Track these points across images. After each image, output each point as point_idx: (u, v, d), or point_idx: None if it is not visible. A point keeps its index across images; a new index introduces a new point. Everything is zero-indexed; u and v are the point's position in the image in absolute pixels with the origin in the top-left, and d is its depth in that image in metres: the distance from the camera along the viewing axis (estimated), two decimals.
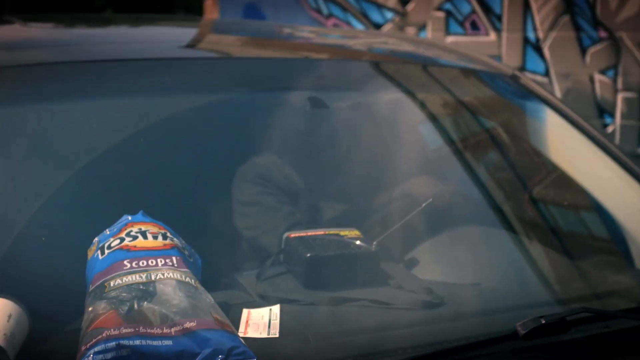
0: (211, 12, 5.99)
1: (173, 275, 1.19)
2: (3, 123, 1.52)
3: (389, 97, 2.08)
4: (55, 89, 1.60)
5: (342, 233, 1.62)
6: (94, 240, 1.32)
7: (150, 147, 1.75)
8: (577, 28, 4.68)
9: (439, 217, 1.79)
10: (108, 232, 1.32)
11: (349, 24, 5.59)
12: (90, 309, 1.15)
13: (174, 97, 1.83)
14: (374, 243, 1.57)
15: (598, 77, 4.63)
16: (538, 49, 4.84)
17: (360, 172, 1.98)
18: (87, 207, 1.56)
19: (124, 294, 1.14)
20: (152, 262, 1.21)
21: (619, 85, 4.56)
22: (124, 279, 1.17)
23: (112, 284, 1.17)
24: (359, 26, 5.53)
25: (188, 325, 1.11)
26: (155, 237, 1.28)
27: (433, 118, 2.18)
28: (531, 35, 4.85)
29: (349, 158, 1.99)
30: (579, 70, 4.68)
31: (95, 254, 1.27)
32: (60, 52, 1.79)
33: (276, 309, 1.37)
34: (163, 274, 1.18)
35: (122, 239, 1.27)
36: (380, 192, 1.94)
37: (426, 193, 1.85)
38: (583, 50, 4.68)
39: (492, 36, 5.00)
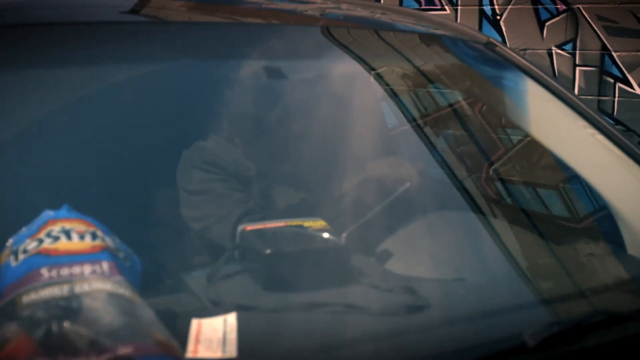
0: None
1: (103, 286, 0.95)
2: None
3: (350, 68, 1.86)
4: None
5: (305, 224, 1.40)
6: (7, 243, 1.07)
7: (77, 125, 1.50)
8: (535, 1, 4.52)
9: (408, 202, 1.58)
10: (24, 231, 1.07)
11: None
12: None
13: (105, 66, 1.57)
14: (343, 235, 1.35)
15: (556, 51, 4.48)
16: (495, 23, 4.68)
17: (318, 153, 1.77)
18: None
19: (40, 313, 0.90)
20: (76, 270, 0.96)
21: (578, 59, 4.43)
22: (41, 292, 0.93)
23: (25, 299, 0.92)
24: None
25: (122, 351, 0.87)
26: (81, 238, 1.04)
27: (398, 91, 1.97)
28: (488, 9, 4.68)
29: (305, 138, 1.78)
30: (536, 45, 4.53)
31: (8, 260, 1.02)
32: None
33: (232, 318, 1.14)
34: (90, 285, 0.94)
35: (41, 241, 1.02)
36: (341, 176, 1.73)
37: (393, 175, 1.65)
38: (541, 24, 4.53)
39: (448, 10, 4.81)
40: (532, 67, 1.82)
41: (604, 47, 4.36)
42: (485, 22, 4.72)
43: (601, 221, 1.65)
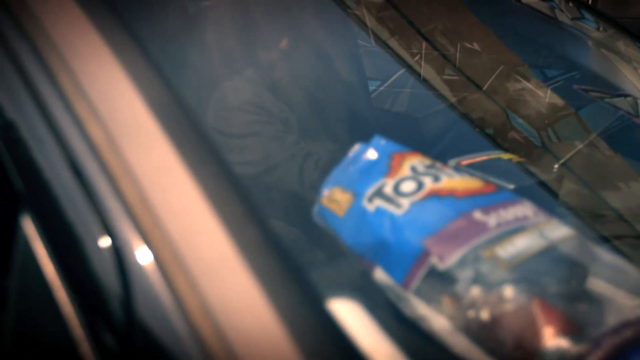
0: None
1: (564, 231, 0.74)
2: None
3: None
4: None
5: (504, 157, 1.24)
6: (327, 189, 0.80)
7: None
8: None
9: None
10: (360, 169, 0.80)
11: None
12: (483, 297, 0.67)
13: None
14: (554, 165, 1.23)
15: None
16: None
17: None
18: None
19: (535, 270, 0.68)
20: (518, 212, 0.74)
21: None
22: (516, 243, 0.69)
23: (501, 253, 0.69)
24: None
25: None
26: (459, 173, 0.81)
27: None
28: None
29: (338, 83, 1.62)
30: None
31: (376, 207, 0.76)
32: None
33: None
34: (556, 231, 0.73)
35: (419, 181, 0.77)
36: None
37: None
38: None
39: None
40: None
41: None
42: None
43: None
